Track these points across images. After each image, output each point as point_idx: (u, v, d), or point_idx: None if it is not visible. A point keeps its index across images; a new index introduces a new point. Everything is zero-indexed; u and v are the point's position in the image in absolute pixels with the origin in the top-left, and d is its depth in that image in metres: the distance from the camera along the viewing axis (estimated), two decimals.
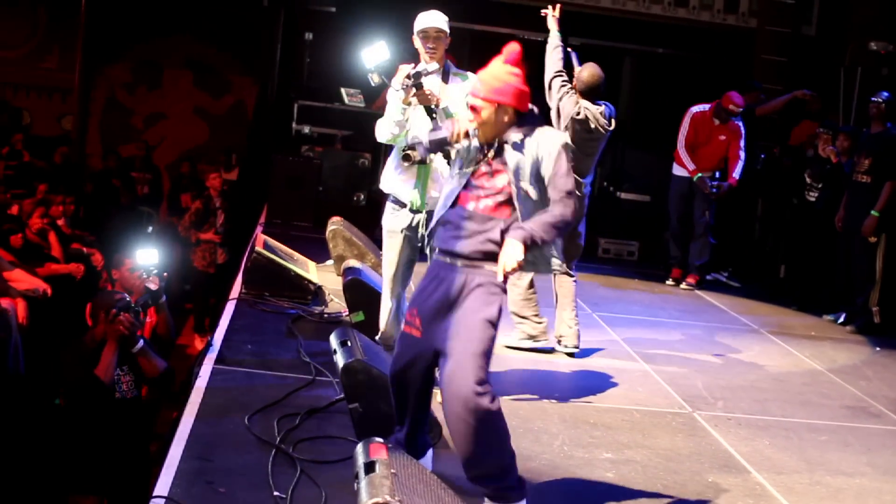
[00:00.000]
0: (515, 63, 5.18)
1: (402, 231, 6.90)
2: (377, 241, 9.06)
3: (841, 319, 10.88)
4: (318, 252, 10.21)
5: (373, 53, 6.71)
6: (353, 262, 8.72)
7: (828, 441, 7.11)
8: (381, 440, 4.60)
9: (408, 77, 6.63)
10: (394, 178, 6.95)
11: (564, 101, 8.26)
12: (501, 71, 5.15)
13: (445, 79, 6.85)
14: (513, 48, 5.23)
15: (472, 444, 4.94)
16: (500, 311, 5.08)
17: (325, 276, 9.61)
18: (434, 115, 6.69)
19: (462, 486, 5.23)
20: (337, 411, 6.19)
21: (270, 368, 7.06)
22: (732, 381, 8.29)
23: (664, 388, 7.83)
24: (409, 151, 6.73)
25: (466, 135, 5.21)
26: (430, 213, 6.92)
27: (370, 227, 10.50)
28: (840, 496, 6.12)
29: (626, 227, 13.66)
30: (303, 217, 12.55)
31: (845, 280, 10.94)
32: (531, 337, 8.40)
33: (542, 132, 5.15)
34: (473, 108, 5.17)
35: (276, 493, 5.06)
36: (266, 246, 9.19)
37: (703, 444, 6.68)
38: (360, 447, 4.59)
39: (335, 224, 9.83)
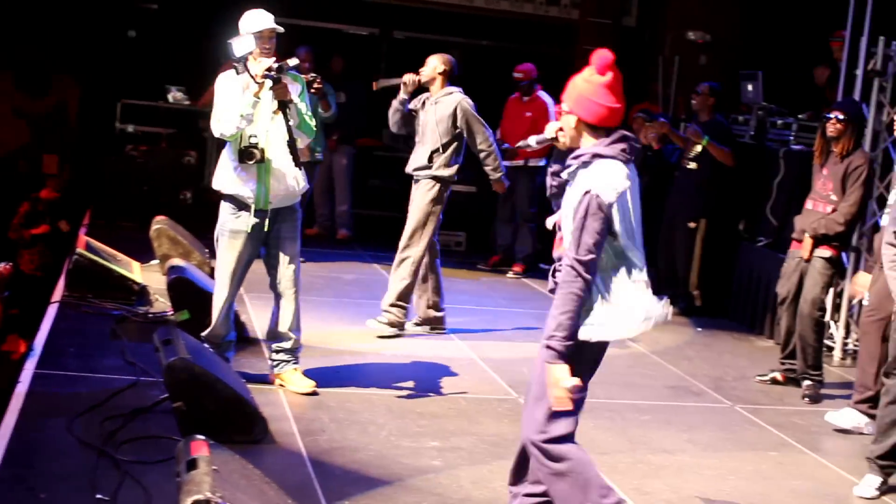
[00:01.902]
0: (601, 71, 4.70)
1: (246, 232, 6.84)
2: (204, 240, 9.02)
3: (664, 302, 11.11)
4: (144, 252, 10.07)
5: (241, 45, 6.64)
6: (177, 261, 8.63)
7: (650, 420, 7.30)
8: (202, 437, 4.59)
9: (269, 70, 6.59)
10: (232, 178, 6.86)
11: None
12: (580, 77, 4.73)
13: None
14: (601, 55, 4.72)
15: None
16: None
17: (150, 276, 9.48)
18: (288, 111, 6.66)
19: (288, 481, 5.26)
20: (162, 411, 6.13)
21: (94, 371, 6.95)
22: None
23: (490, 375, 7.94)
24: (252, 150, 6.69)
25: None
26: (274, 212, 6.88)
27: (197, 226, 10.42)
28: (661, 473, 6.30)
29: (453, 218, 13.65)
30: (128, 217, 12.34)
31: (668, 264, 11.19)
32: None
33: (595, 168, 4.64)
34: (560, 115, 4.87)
35: (98, 496, 5.00)
36: (88, 247, 9.04)
37: None
38: (181, 445, 4.58)
39: (159, 223, 9.72)
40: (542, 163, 12.00)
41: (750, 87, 11.56)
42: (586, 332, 4.62)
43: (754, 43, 13.98)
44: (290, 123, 6.72)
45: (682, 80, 13.47)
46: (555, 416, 4.65)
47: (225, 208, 6.94)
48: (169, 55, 14.67)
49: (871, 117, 9.32)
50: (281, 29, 6.90)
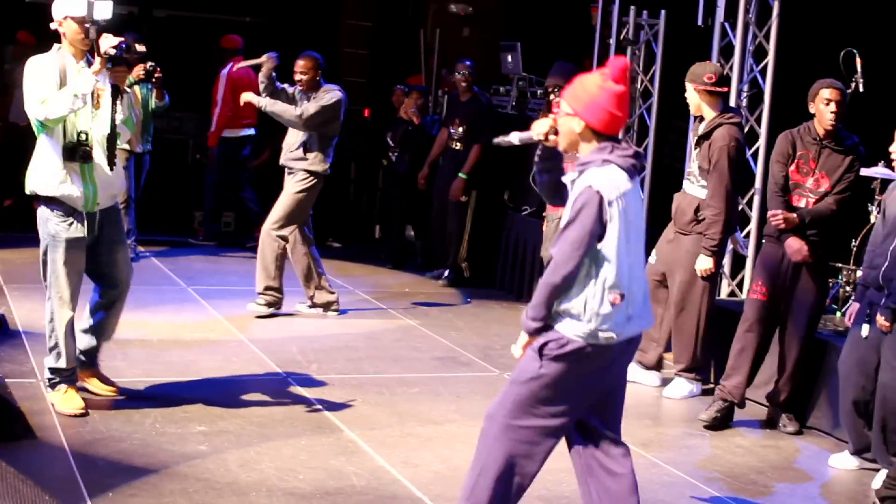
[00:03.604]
0: (617, 80, 4.66)
1: (84, 237, 6.23)
2: None
3: (435, 275, 11.28)
4: None
5: (101, 9, 6.05)
6: None
7: (419, 393, 7.37)
8: None
9: (117, 47, 6.03)
10: (58, 178, 6.12)
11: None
12: (594, 83, 4.65)
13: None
14: (618, 63, 4.70)
15: None
16: None
17: None
18: (120, 100, 6.18)
19: (48, 476, 5.14)
20: None
21: None
22: (326, 343, 8.46)
23: (259, 357, 7.88)
24: (84, 147, 6.06)
25: (554, 133, 4.77)
26: (101, 213, 6.32)
27: None
28: (430, 444, 6.38)
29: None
30: None
31: (439, 237, 11.33)
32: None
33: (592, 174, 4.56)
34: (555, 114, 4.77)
35: None
36: None
37: (297, 408, 6.79)
38: None
39: None
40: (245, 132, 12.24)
41: (510, 59, 11.76)
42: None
43: (514, 15, 14.22)
44: (119, 116, 6.20)
45: (444, 52, 13.57)
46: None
47: (49, 215, 6.17)
48: None
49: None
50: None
